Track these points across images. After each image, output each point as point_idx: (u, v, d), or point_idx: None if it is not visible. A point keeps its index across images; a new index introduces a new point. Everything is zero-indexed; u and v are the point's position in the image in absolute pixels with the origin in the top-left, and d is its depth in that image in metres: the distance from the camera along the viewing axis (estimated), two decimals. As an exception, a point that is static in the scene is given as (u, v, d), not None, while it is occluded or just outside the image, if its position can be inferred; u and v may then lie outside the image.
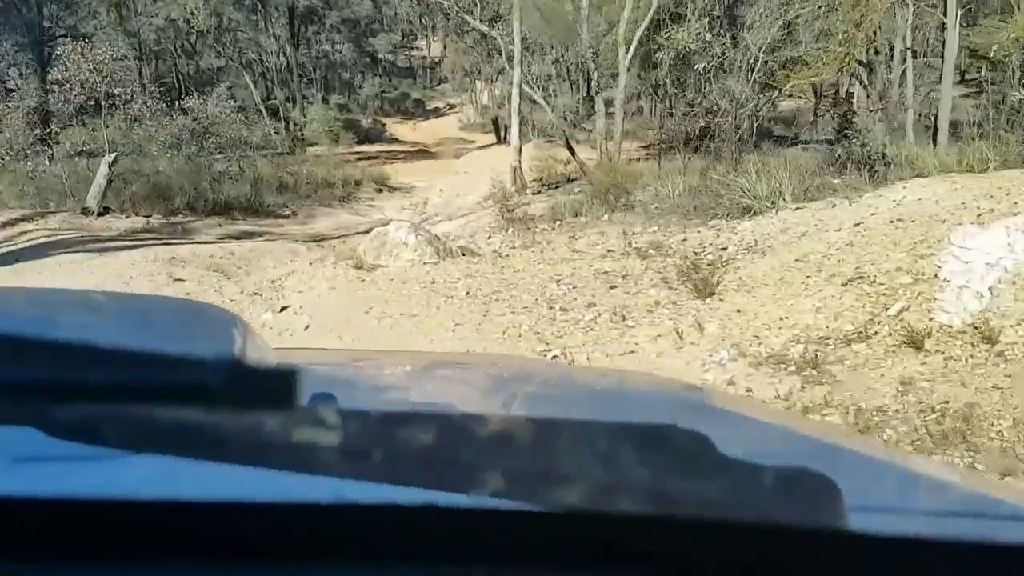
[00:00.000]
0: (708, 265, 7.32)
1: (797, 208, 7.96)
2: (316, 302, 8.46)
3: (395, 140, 38.89)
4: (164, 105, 16.74)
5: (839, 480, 0.48)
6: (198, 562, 0.49)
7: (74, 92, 13.98)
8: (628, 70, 18.63)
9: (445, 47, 48.83)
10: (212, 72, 38.59)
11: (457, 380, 1.33)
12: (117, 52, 17.27)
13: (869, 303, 6.04)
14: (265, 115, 28.67)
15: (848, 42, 8.51)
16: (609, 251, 8.59)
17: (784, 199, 8.17)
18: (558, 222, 12.39)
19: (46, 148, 14.73)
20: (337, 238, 14.95)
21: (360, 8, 43.54)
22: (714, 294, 6.69)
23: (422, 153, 34.56)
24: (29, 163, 14.33)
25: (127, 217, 12.83)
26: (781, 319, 6.09)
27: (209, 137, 16.98)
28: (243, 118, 18.46)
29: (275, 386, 0.49)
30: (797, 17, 9.11)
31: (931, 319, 5.73)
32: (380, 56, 45.38)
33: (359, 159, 28.10)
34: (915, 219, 6.66)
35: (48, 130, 14.55)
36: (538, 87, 36.12)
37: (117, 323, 0.80)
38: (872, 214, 7.08)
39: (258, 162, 18.78)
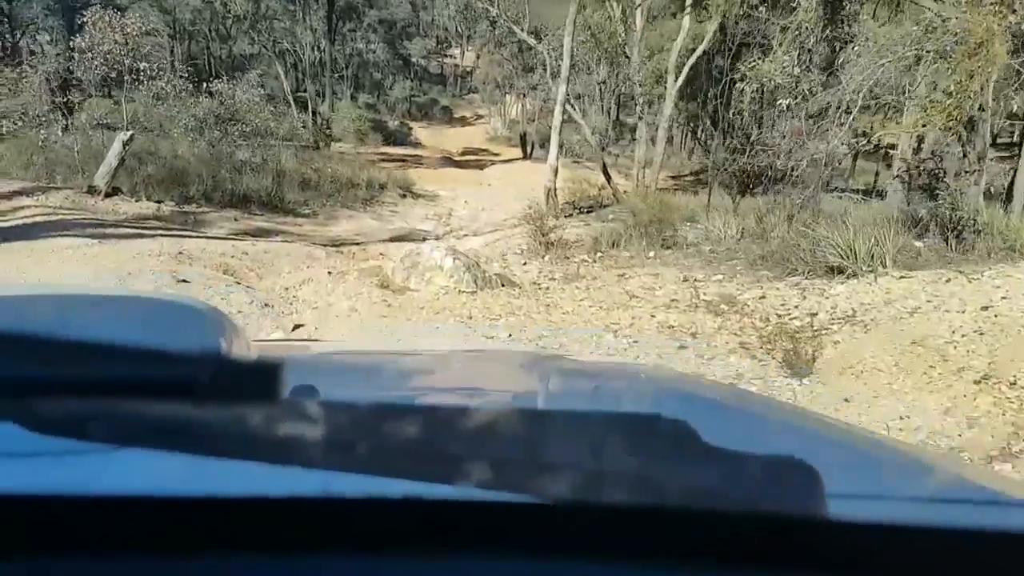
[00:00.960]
0: (796, 332, 6.11)
1: (902, 277, 6.75)
2: (334, 323, 7.29)
3: (419, 145, 37.80)
4: (191, 86, 15.58)
5: (823, 468, 0.46)
6: (184, 557, 0.48)
7: (96, 62, 12.82)
8: (663, 98, 17.58)
9: (479, 57, 47.86)
10: (244, 58, 37.59)
11: (440, 373, 1.28)
12: (148, 26, 16.20)
13: (1011, 411, 4.83)
14: (294, 107, 27.59)
15: (960, 94, 7.37)
16: (673, 300, 7.38)
17: (884, 263, 6.95)
18: (599, 253, 11.20)
19: (62, 117, 13.56)
20: (357, 244, 13.77)
21: (399, 10, 42.63)
22: (811, 373, 5.47)
23: (447, 160, 33.45)
24: (42, 131, 13.20)
25: (136, 201, 11.64)
26: (901, 418, 4.88)
27: (234, 124, 15.86)
28: (271, 108, 17.32)
29: (258, 380, 0.45)
30: (899, 61, 7.99)
31: (1093, 441, 4.52)
32: (413, 60, 44.37)
33: (383, 160, 27.00)
34: (1060, 310, 5.47)
35: (66, 98, 13.39)
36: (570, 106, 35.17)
37: (102, 319, 0.82)
38: (1003, 298, 5.88)
39: (282, 154, 17.65)
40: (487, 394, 1.10)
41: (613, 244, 12.30)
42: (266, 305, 7.76)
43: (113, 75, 13.30)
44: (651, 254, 10.62)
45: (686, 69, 17.92)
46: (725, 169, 12.69)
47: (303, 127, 22.12)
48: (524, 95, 34.00)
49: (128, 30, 12.88)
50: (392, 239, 14.75)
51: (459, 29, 50.28)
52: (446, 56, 51.11)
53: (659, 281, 8.40)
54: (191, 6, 35.11)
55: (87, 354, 0.47)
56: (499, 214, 19.16)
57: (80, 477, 0.53)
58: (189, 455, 0.46)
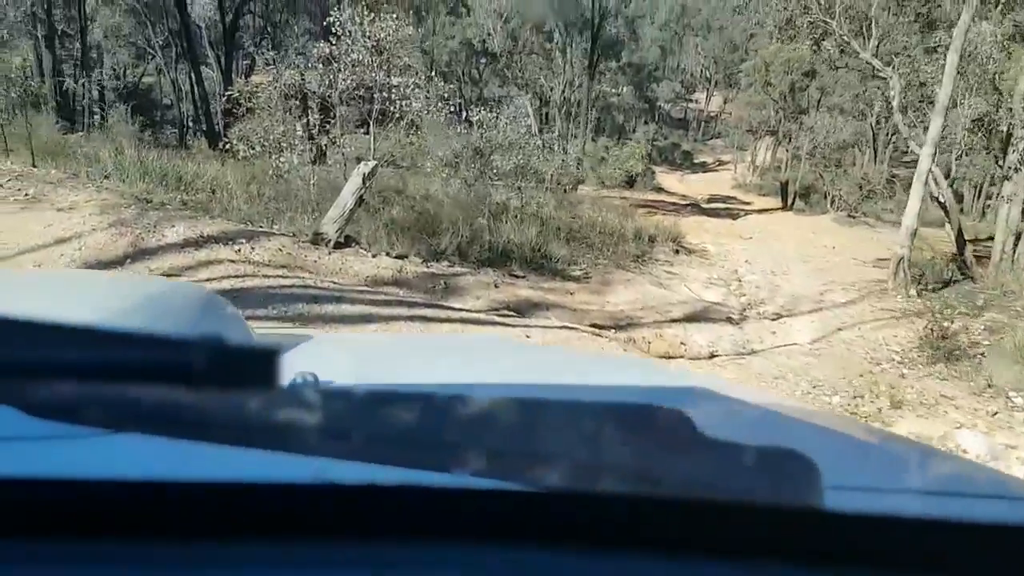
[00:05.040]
0: None
1: None
2: None
3: (662, 190, 33.13)
4: (450, 112, 11.97)
5: (820, 460, 0.44)
6: (176, 542, 0.46)
7: (344, 74, 9.41)
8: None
9: (726, 101, 42.52)
10: (494, 101, 35.21)
11: (442, 360, 1.21)
12: (408, 62, 13.02)
13: None
14: (542, 147, 24.08)
15: None
16: None
17: None
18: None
19: (302, 142, 10.29)
20: (648, 325, 9.29)
21: (649, 54, 38.47)
22: None
23: (694, 208, 28.43)
24: (280, 158, 10.02)
25: (374, 256, 7.88)
26: None
27: (492, 160, 12.11)
28: (538, 143, 13.43)
29: (257, 366, 0.42)
30: None
31: None
32: (659, 103, 39.89)
33: (631, 206, 22.65)
34: None
35: (307, 118, 10.13)
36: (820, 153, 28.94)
37: (99, 302, 0.79)
38: None
39: (540, 198, 13.70)
40: (486, 381, 1.02)
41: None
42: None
43: (361, 92, 9.84)
44: None
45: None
46: None
47: (576, 166, 18.09)
48: (790, 139, 28.27)
49: (382, 36, 9.35)
50: (686, 317, 10.18)
51: (703, 73, 45.27)
52: (689, 101, 46.08)
53: None
54: (449, 48, 33.28)
55: (83, 337, 0.41)
56: (800, 281, 13.92)
57: (75, 461, 0.51)
58: (183, 440, 0.42)
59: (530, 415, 0.47)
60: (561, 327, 7.42)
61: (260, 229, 7.52)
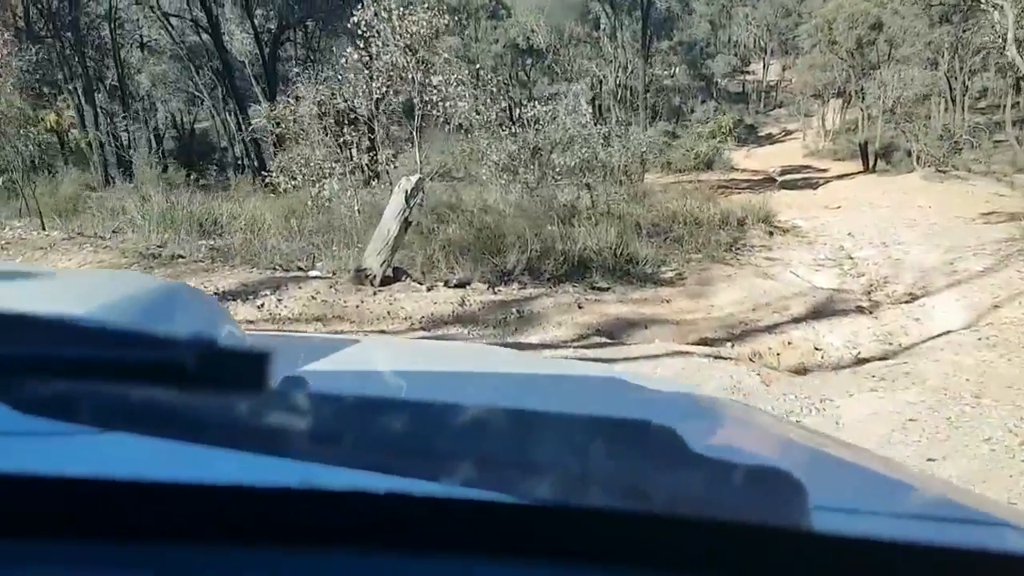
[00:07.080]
0: None
1: None
2: None
3: (732, 168, 30.73)
4: (501, 112, 10.38)
5: (809, 480, 0.44)
6: (162, 543, 0.45)
7: (379, 80, 7.91)
8: None
9: (785, 69, 39.55)
10: (543, 101, 33.54)
11: (435, 368, 1.16)
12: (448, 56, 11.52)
13: None
14: (606, 137, 22.27)
15: None
16: None
17: None
18: None
19: (345, 166, 8.86)
20: (768, 330, 7.45)
21: (698, 31, 36.05)
22: None
23: (770, 182, 26.02)
24: (323, 187, 8.64)
25: (429, 289, 6.32)
26: None
27: (552, 158, 10.47)
28: (603, 133, 11.72)
29: (247, 368, 0.41)
30: None
31: None
32: (716, 80, 37.32)
33: (707, 188, 20.57)
34: None
35: (340, 139, 8.69)
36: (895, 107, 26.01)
37: (92, 300, 0.74)
38: None
39: (611, 192, 11.96)
40: (480, 391, 0.99)
41: None
42: None
43: (399, 98, 8.33)
44: None
45: None
46: None
47: (645, 151, 16.24)
48: (862, 98, 25.53)
49: (415, 29, 7.80)
50: (809, 313, 8.27)
51: (760, 43, 42.34)
52: (746, 73, 43.13)
53: None
54: (493, 52, 31.77)
55: (78, 334, 0.40)
56: (918, 251, 11.71)
57: (62, 459, 0.50)
58: (172, 441, 0.41)
59: (522, 426, 0.45)
60: (668, 353, 5.70)
61: (290, 274, 6.08)
